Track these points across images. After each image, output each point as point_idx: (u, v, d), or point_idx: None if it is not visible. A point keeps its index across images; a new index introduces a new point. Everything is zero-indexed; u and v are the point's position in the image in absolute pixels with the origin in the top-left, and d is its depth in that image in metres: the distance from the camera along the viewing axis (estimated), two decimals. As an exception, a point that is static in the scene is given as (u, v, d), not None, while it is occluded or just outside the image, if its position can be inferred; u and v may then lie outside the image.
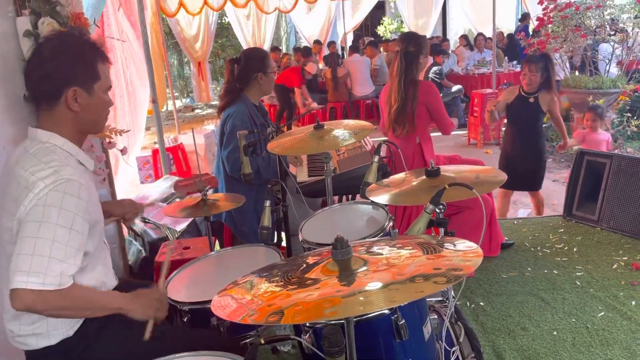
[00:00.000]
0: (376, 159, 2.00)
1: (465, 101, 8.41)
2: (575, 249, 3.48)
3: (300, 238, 1.92)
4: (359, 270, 1.06)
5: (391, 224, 1.89)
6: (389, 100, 3.23)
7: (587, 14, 6.68)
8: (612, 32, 6.82)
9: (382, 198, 1.73)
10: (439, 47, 8.88)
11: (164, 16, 8.72)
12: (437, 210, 1.48)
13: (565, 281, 3.08)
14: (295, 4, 10.13)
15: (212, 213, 2.16)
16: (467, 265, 1.04)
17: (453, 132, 5.21)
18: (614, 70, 7.13)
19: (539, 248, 3.55)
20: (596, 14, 6.66)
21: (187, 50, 10.49)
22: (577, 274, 3.16)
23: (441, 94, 6.88)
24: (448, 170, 1.82)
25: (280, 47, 13.55)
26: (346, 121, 2.22)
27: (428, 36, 11.94)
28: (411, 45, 3.18)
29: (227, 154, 2.80)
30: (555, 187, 5.34)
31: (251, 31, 11.04)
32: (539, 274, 3.19)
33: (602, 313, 2.71)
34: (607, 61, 7.01)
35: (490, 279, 3.18)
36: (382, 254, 1.17)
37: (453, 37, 14.43)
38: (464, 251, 1.11)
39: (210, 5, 8.74)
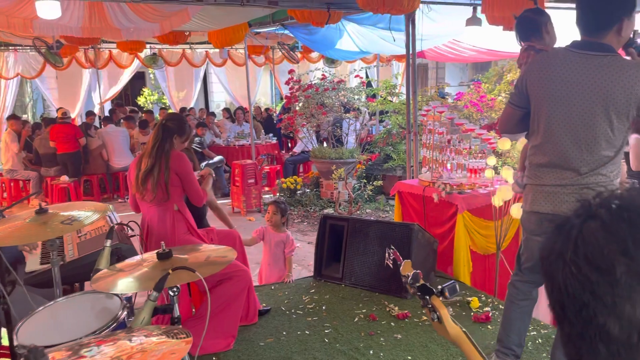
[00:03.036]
0: (108, 243, 1.89)
1: (228, 171, 8.69)
2: (324, 307, 3.77)
3: (15, 342, 1.67)
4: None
5: (125, 313, 1.78)
6: (139, 164, 3.16)
7: (325, 95, 7.66)
8: (346, 111, 7.93)
9: (114, 285, 1.63)
10: (202, 119, 9.13)
11: None
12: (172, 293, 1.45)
13: (316, 340, 3.30)
14: (42, 69, 9.35)
15: None
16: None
17: (219, 201, 5.37)
18: (353, 142, 8.25)
19: (293, 311, 3.75)
20: (333, 94, 7.68)
21: None
22: (326, 331, 3.41)
23: (204, 164, 7.02)
24: (184, 250, 1.82)
25: (24, 115, 12.23)
26: (79, 203, 2.07)
27: (189, 107, 12.18)
28: (172, 122, 3.23)
29: None
30: (311, 249, 5.79)
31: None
32: (292, 337, 3.36)
33: (346, 366, 2.95)
34: (345, 135, 8.07)
35: (248, 348, 3.22)
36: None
37: (216, 109, 14.98)
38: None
39: None
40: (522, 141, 3.16)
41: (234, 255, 1.67)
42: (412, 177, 5.10)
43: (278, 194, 7.87)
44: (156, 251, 1.71)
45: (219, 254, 1.73)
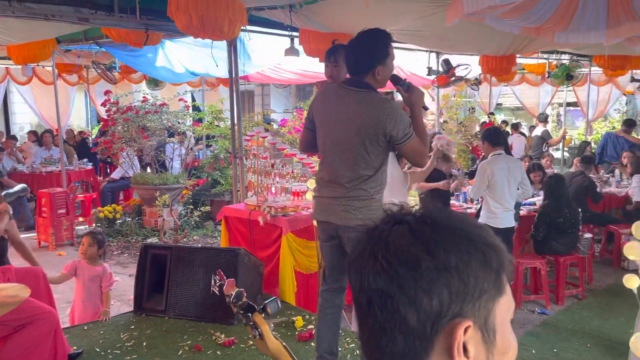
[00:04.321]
0: None
1: (32, 201, 7.76)
2: (144, 344, 3.53)
3: None
4: None
5: None
6: None
7: (147, 118, 7.32)
8: (170, 135, 7.67)
9: None
10: (1, 143, 8.02)
11: None
12: None
13: (136, 380, 3.06)
14: None
15: None
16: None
17: (23, 235, 4.70)
18: (178, 167, 7.97)
19: (109, 351, 3.44)
20: (155, 118, 7.37)
21: None
22: (147, 369, 3.19)
23: (2, 194, 6.15)
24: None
25: None
26: None
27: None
28: None
29: None
30: (132, 282, 5.40)
31: None
32: (109, 379, 3.07)
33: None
34: (169, 160, 7.78)
35: (55, 400, 2.85)
36: None
37: (19, 132, 13.32)
38: None
39: None
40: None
41: (26, 293, 1.47)
42: (239, 202, 5.10)
43: (94, 225, 7.24)
44: None
45: (9, 293, 1.51)
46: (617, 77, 9.65)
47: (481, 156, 5.95)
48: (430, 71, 7.67)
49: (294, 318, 3.78)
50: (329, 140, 2.79)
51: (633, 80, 10.04)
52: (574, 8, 4.18)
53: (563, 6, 4.14)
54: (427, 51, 7.33)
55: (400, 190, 4.73)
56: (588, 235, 5.56)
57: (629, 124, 8.54)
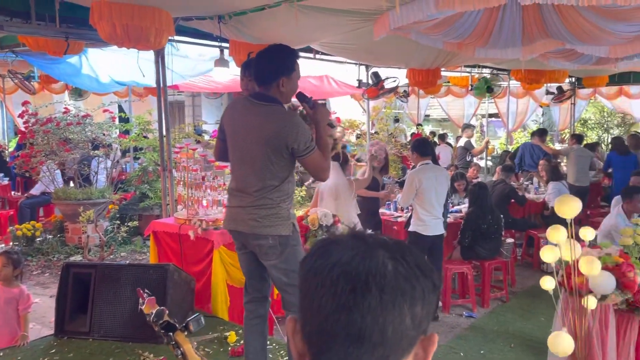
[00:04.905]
0: None
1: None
2: (67, 369, 3.34)
3: None
4: None
5: None
6: None
7: (69, 130, 6.97)
8: (95, 147, 7.34)
9: None
10: None
11: None
12: None
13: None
14: None
15: None
16: None
17: None
18: (104, 180, 7.62)
19: (27, 379, 3.22)
20: (78, 130, 7.04)
21: None
22: (70, 395, 3.01)
23: None
24: None
25: None
26: None
27: None
28: None
29: None
30: (53, 303, 5.10)
31: None
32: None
33: None
34: (94, 173, 7.44)
35: None
36: None
37: None
38: None
39: None
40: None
41: None
42: (168, 216, 4.95)
43: (12, 243, 6.79)
44: None
45: None
46: (533, 90, 10.27)
47: (411, 166, 6.14)
48: (360, 83, 7.84)
49: (227, 333, 3.70)
50: (237, 151, 2.87)
51: (548, 93, 10.72)
52: (492, 25, 4.42)
53: (482, 23, 4.37)
54: (356, 64, 7.49)
55: (347, 198, 4.80)
56: (510, 240, 5.86)
57: (540, 133, 9.11)
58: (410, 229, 4.88)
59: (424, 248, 4.79)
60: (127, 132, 8.71)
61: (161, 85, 5.06)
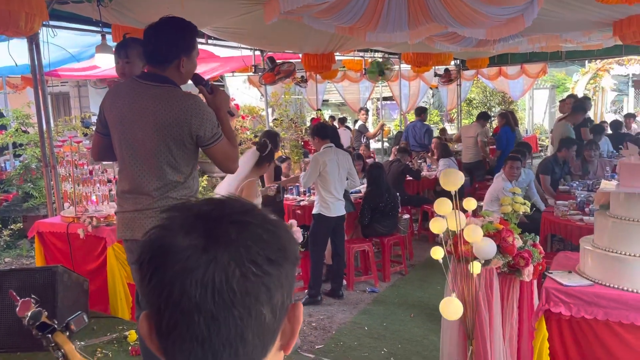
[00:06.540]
0: None
1: None
2: (-57, 390, 3.02)
3: None
4: None
5: None
6: None
7: None
8: None
9: None
10: None
11: None
12: None
13: None
14: None
15: None
16: None
17: None
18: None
19: None
20: None
21: None
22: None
23: None
24: None
25: None
26: None
27: None
28: None
29: None
30: None
31: None
32: None
33: None
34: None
35: None
36: None
37: None
38: None
39: None
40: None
41: None
42: (55, 215, 4.61)
43: None
44: None
45: None
46: (423, 73, 10.77)
47: (313, 151, 6.20)
48: (256, 69, 7.76)
49: (127, 333, 3.54)
50: (125, 144, 2.40)
51: (436, 75, 11.31)
52: (380, 9, 4.55)
53: (371, 7, 4.48)
54: (251, 49, 7.39)
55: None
56: (406, 216, 6.14)
57: (419, 112, 9.73)
58: (314, 211, 4.95)
59: (328, 229, 4.90)
60: (4, 127, 7.97)
61: (37, 74, 4.66)
